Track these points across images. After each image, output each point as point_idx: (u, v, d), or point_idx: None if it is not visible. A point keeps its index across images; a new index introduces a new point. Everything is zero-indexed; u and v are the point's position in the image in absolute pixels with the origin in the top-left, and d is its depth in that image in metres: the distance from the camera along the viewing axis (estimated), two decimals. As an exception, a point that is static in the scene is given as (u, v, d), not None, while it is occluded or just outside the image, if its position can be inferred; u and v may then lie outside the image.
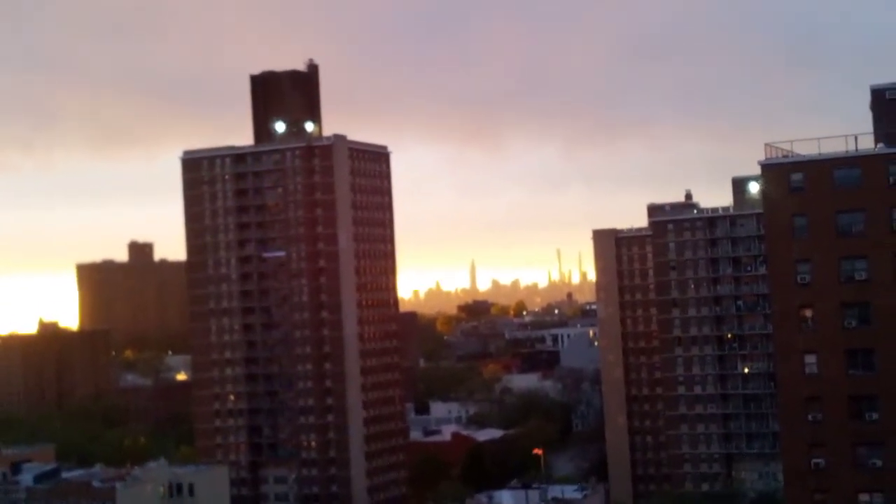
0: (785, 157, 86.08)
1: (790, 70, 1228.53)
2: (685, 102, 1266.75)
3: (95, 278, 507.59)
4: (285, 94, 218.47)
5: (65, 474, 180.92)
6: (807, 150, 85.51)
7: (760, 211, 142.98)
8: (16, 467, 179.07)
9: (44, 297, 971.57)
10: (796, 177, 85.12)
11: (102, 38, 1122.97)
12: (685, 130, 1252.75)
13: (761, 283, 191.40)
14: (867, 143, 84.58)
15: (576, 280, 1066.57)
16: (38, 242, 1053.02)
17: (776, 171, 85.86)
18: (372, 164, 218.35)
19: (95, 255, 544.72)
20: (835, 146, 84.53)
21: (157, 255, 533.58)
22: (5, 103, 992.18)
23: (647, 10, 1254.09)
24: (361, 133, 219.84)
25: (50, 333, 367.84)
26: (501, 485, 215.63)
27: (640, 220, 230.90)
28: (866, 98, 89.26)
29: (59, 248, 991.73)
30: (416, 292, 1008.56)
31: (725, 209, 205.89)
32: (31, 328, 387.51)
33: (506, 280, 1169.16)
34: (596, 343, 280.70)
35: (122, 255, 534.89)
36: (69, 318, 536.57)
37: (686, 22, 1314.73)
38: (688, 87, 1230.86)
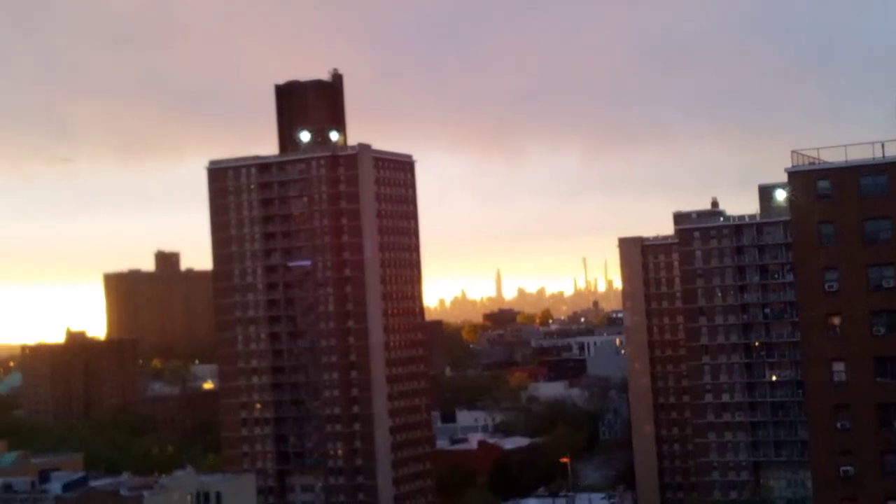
0: (812, 164, 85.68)
1: (810, 75, 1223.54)
2: (705, 108, 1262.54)
3: (123, 288, 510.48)
4: (310, 103, 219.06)
5: (93, 483, 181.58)
6: (833, 157, 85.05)
7: (788, 218, 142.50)
8: (44, 476, 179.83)
9: (71, 307, 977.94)
10: (823, 184, 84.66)
11: (125, 47, 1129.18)
12: (706, 137, 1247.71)
13: (789, 290, 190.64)
14: (894, 150, 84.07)
15: (602, 288, 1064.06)
16: (65, 252, 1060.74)
17: (803, 178, 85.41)
18: (397, 173, 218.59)
19: (122, 265, 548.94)
20: (862, 153, 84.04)
21: (184, 264, 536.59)
22: (29, 114, 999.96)
23: (666, 16, 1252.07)
24: (382, 142, 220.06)
25: (78, 343, 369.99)
26: (528, 493, 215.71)
27: (664, 228, 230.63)
28: (890, 104, 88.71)
29: (87, 257, 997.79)
30: (441, 301, 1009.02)
31: (752, 217, 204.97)
32: (59, 338, 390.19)
33: (531, 288, 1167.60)
34: (622, 351, 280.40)
35: (148, 265, 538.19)
36: (97, 327, 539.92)
37: (705, 27, 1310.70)
38: (707, 93, 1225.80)
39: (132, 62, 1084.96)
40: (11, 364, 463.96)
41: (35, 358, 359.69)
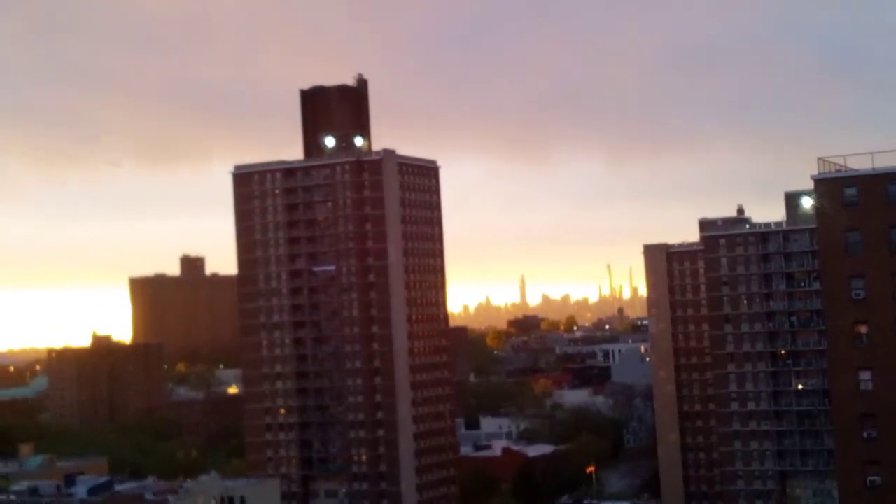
0: (838, 171, 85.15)
1: (837, 82, 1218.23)
2: (731, 115, 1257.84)
3: (148, 292, 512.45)
4: (335, 108, 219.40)
5: (118, 487, 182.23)
6: (860, 164, 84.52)
7: (814, 226, 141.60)
8: (69, 480, 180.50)
9: (97, 311, 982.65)
10: (850, 191, 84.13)
11: (149, 52, 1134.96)
12: (732, 143, 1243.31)
13: (815, 298, 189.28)
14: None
15: (626, 295, 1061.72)
16: (91, 256, 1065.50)
17: (829, 185, 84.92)
18: (421, 178, 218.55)
19: (148, 269, 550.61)
20: (889, 160, 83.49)
21: (209, 268, 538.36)
22: (52, 118, 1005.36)
23: (692, 22, 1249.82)
24: (407, 147, 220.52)
25: (103, 347, 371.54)
26: (552, 501, 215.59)
27: (689, 234, 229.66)
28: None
29: (113, 262, 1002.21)
30: (465, 307, 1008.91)
31: (778, 224, 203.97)
32: (85, 342, 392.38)
33: (556, 295, 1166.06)
34: (647, 359, 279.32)
35: (174, 269, 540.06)
36: (122, 331, 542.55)
37: (731, 34, 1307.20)
38: (733, 100, 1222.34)
39: (160, 67, 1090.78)
40: (38, 368, 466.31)
41: (61, 362, 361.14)
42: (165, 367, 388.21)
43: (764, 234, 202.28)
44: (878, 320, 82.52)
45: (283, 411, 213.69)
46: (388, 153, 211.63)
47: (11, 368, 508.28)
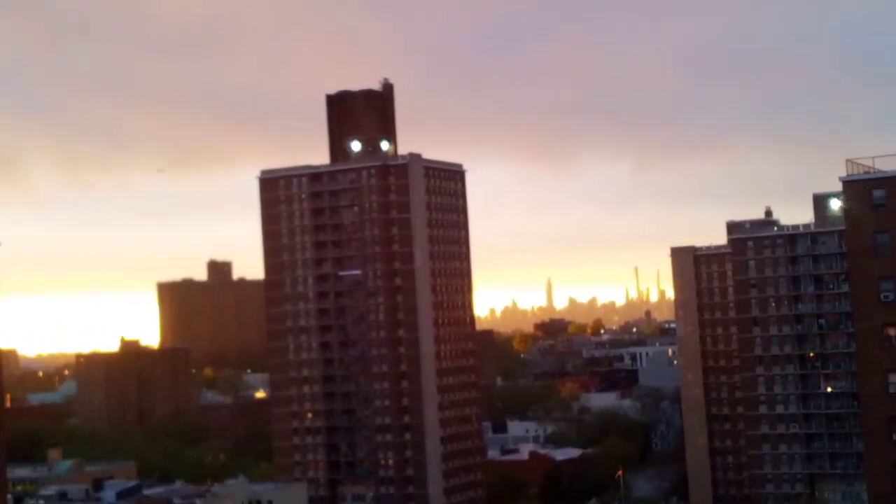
0: (867, 172, 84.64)
1: (865, 83, 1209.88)
2: (758, 117, 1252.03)
3: (176, 297, 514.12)
4: (360, 113, 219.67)
5: (146, 491, 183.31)
6: (889, 165, 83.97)
7: (842, 228, 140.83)
8: (98, 484, 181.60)
9: (125, 316, 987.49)
10: (878, 193, 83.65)
11: (178, 58, 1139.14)
12: (760, 146, 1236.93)
13: (844, 301, 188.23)
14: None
15: (654, 298, 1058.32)
16: (119, 262, 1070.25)
17: (858, 187, 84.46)
18: (447, 182, 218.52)
19: (175, 274, 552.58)
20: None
21: (236, 273, 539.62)
22: (80, 124, 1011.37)
23: (719, 24, 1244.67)
24: (432, 151, 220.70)
25: (132, 352, 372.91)
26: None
27: (715, 237, 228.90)
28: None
29: (140, 267, 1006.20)
30: (492, 310, 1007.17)
31: (806, 226, 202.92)
32: (113, 347, 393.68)
33: (583, 298, 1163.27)
34: (675, 362, 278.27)
35: (201, 274, 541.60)
36: (150, 336, 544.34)
37: (758, 36, 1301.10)
38: (761, 102, 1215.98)
39: (185, 72, 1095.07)
40: (66, 373, 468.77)
41: (90, 367, 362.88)
42: (193, 371, 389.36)
43: (792, 237, 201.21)
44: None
45: (310, 415, 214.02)
46: (415, 157, 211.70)
47: (41, 373, 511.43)
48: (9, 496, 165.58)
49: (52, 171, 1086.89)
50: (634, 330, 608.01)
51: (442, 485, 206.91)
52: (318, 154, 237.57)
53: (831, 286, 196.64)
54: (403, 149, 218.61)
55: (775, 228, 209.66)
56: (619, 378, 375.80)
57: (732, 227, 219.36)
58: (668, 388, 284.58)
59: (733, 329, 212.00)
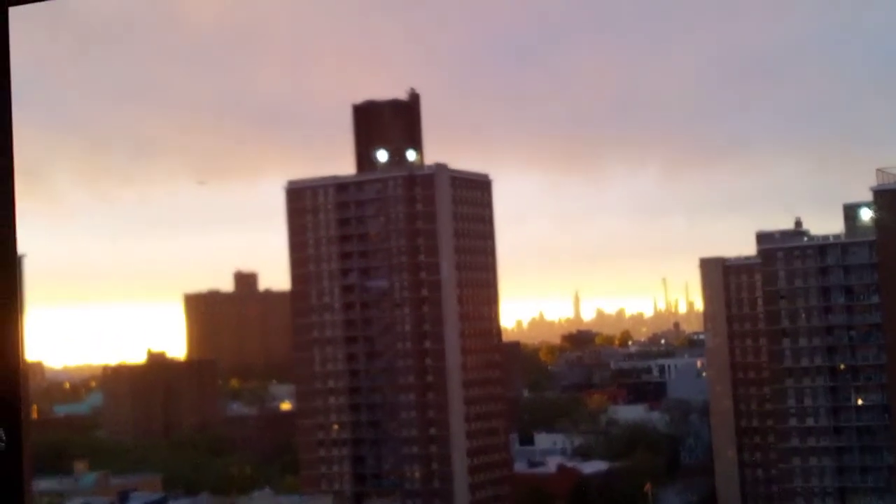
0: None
1: (894, 92, 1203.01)
2: (787, 126, 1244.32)
3: (202, 308, 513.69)
4: (387, 123, 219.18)
5: (171, 503, 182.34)
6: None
7: (873, 238, 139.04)
8: (123, 496, 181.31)
9: (152, 328, 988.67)
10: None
11: (199, 67, 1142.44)
12: (789, 155, 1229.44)
13: (875, 312, 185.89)
14: None
15: (682, 309, 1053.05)
16: (145, 273, 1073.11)
17: (889, 196, 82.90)
18: (473, 192, 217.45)
19: (202, 285, 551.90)
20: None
21: (262, 284, 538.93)
22: (108, 134, 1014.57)
23: (747, 33, 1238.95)
24: (459, 161, 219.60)
25: (158, 363, 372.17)
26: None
27: (744, 247, 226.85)
28: None
29: (167, 278, 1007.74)
30: (519, 322, 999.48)
31: (837, 236, 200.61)
32: (139, 358, 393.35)
33: (610, 309, 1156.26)
34: (704, 374, 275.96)
35: (227, 285, 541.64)
36: (177, 348, 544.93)
37: (786, 44, 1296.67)
38: (790, 110, 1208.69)
39: (210, 82, 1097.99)
40: (92, 384, 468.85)
41: (116, 378, 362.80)
42: (219, 383, 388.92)
43: (822, 247, 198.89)
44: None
45: (335, 427, 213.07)
46: (441, 167, 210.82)
47: (67, 385, 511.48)
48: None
49: (77, 182, 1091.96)
50: (663, 341, 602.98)
51: (468, 498, 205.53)
52: (343, 164, 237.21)
53: (862, 297, 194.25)
54: (430, 159, 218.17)
55: (805, 239, 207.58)
56: (647, 390, 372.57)
57: (762, 238, 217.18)
58: (696, 400, 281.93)
59: (763, 340, 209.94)
